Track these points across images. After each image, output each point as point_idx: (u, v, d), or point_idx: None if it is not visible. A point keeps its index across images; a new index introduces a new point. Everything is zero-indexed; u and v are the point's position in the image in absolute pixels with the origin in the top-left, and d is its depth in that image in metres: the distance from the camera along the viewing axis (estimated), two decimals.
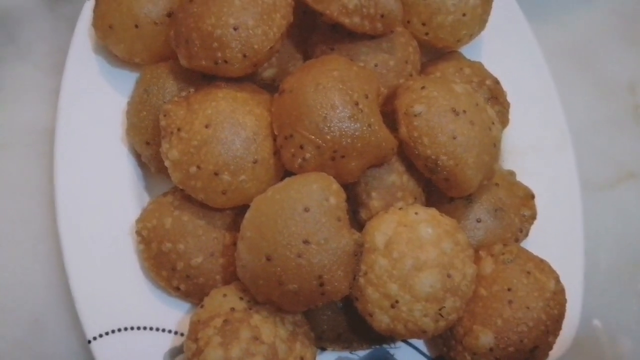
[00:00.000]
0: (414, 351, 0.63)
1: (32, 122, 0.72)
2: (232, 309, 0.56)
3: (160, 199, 0.62)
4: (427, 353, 0.63)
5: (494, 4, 0.70)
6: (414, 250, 0.56)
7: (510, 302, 0.58)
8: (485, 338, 0.58)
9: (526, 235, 0.65)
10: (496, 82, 0.69)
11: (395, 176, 0.62)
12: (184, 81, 0.63)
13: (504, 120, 0.69)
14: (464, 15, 0.66)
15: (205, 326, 0.55)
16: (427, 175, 0.61)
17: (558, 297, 0.60)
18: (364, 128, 0.57)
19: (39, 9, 0.77)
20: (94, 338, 0.58)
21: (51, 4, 0.77)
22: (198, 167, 0.57)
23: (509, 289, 0.59)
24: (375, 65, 0.63)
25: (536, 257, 0.62)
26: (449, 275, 0.56)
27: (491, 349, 0.57)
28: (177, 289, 0.60)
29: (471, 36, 0.69)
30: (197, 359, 0.54)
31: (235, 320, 0.55)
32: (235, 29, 0.57)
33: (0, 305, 0.66)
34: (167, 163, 0.58)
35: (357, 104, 0.57)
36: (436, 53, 0.71)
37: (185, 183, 0.58)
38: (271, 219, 0.54)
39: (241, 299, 0.57)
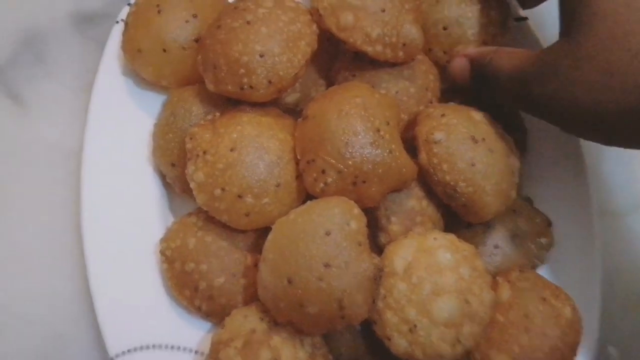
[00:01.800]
0: None
1: (59, 141, 0.73)
2: (253, 330, 0.57)
3: (184, 219, 0.63)
4: None
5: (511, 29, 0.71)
6: (433, 275, 0.57)
7: (527, 328, 0.59)
8: None
9: (543, 262, 0.66)
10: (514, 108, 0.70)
11: (415, 201, 0.63)
12: (210, 105, 0.64)
13: (522, 147, 0.70)
14: (484, 43, 0.68)
15: (226, 346, 0.56)
16: (446, 201, 0.62)
17: (574, 324, 0.60)
18: (385, 154, 0.58)
19: (68, 31, 0.78)
20: (117, 355, 0.59)
21: (80, 26, 0.78)
22: (222, 189, 0.58)
23: (525, 316, 0.59)
24: (397, 92, 0.65)
25: (552, 284, 0.62)
26: (467, 301, 0.57)
27: None
28: (199, 308, 0.61)
29: None
30: None
31: (256, 341, 0.56)
32: (261, 56, 0.58)
33: (25, 319, 0.67)
34: (192, 185, 0.59)
35: (378, 130, 0.58)
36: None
37: (209, 205, 0.59)
38: (293, 242, 0.55)
39: (261, 320, 0.58)
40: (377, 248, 0.62)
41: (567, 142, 0.73)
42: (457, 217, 0.63)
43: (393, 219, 0.62)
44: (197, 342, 0.62)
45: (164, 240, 0.63)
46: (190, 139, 0.60)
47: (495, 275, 0.62)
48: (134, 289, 0.62)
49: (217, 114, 0.63)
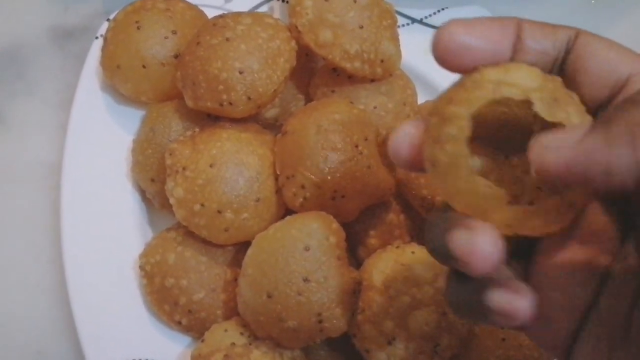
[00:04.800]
0: None
1: (40, 157, 0.73)
2: (233, 344, 0.57)
3: (164, 234, 0.64)
4: None
5: None
6: (411, 289, 0.57)
7: (503, 339, 0.60)
8: None
9: None
10: None
11: (393, 215, 0.63)
12: (189, 120, 0.64)
13: None
14: None
15: None
16: (424, 215, 0.62)
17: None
18: (364, 170, 0.59)
19: (48, 47, 0.78)
20: None
21: (60, 42, 0.79)
22: (202, 205, 0.59)
23: (501, 327, 0.60)
24: (375, 108, 0.65)
25: None
26: (444, 313, 0.57)
27: None
28: (179, 323, 0.61)
29: None
30: None
31: (236, 355, 0.56)
32: (240, 73, 0.59)
33: (5, 336, 0.67)
34: (171, 201, 0.60)
35: (357, 146, 0.59)
36: (434, 94, 0.73)
37: (189, 220, 0.59)
38: (272, 257, 0.55)
39: (241, 334, 0.58)
40: (356, 261, 0.63)
41: None
42: None
43: (371, 232, 0.63)
44: (177, 356, 0.62)
45: (144, 255, 0.63)
46: (170, 154, 0.61)
47: None
48: (114, 305, 0.62)
49: (197, 129, 0.63)
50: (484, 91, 0.33)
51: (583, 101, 0.35)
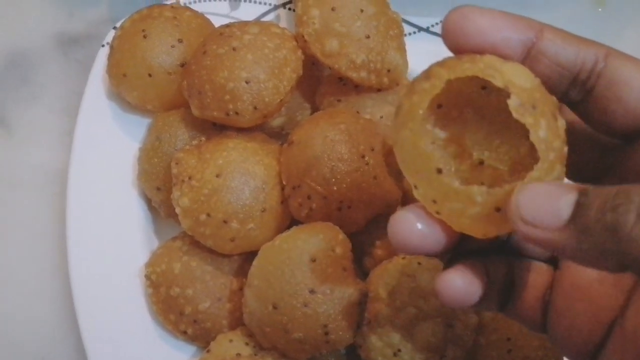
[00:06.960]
0: None
1: (44, 164, 0.73)
2: (238, 355, 0.57)
3: (170, 243, 0.64)
4: None
5: None
6: (417, 300, 0.57)
7: (509, 351, 0.59)
8: None
9: None
10: None
11: None
12: (195, 129, 0.64)
13: None
14: None
15: None
16: None
17: (557, 348, 0.61)
18: (370, 180, 0.58)
19: (52, 53, 0.78)
20: None
21: (64, 49, 0.78)
22: (208, 215, 0.58)
23: (508, 339, 0.60)
24: (381, 117, 0.65)
25: None
26: (450, 325, 0.57)
27: None
28: (185, 332, 0.61)
29: None
30: None
31: None
32: (247, 83, 0.59)
33: (8, 342, 0.67)
34: (177, 210, 0.59)
35: (363, 156, 0.59)
36: None
37: (194, 230, 0.59)
38: (278, 268, 0.55)
39: (247, 344, 0.58)
40: (362, 272, 0.63)
41: None
42: None
43: (377, 243, 0.63)
44: None
45: (149, 264, 0.63)
46: (176, 164, 0.60)
47: None
48: (119, 313, 0.62)
49: (203, 138, 0.63)
50: (473, 65, 0.33)
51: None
